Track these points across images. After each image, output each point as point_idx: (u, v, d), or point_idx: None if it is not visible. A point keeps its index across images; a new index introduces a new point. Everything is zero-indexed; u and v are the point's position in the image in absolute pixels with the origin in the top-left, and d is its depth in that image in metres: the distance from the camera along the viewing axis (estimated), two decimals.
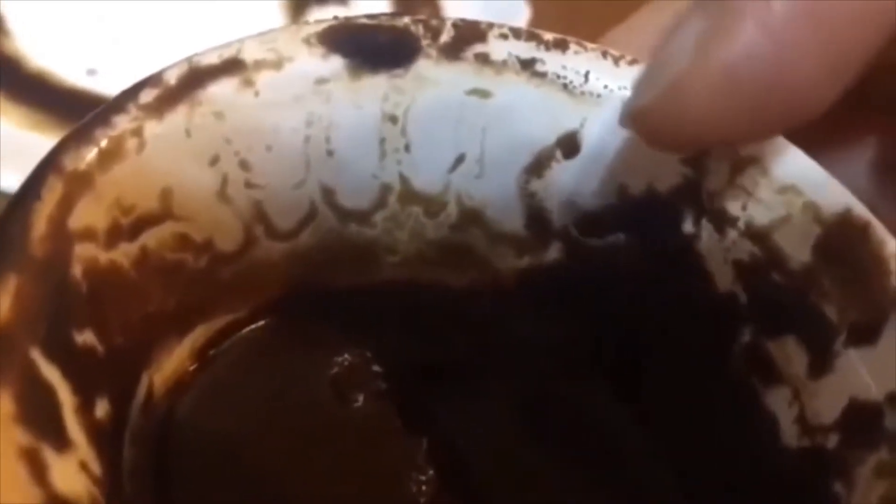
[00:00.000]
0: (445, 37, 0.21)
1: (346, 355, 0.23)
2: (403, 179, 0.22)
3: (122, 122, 0.19)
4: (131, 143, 0.19)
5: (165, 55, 0.20)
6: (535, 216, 0.22)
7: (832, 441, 0.19)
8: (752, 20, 0.17)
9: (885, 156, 0.24)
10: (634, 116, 0.20)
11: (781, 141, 0.20)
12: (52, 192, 0.17)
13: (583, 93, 0.21)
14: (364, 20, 0.21)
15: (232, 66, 0.20)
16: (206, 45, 0.20)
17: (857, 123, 0.23)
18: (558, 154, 0.21)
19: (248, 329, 0.23)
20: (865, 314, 0.19)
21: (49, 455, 0.15)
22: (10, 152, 0.34)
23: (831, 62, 0.18)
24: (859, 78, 0.18)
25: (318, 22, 0.21)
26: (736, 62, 0.18)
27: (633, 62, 0.21)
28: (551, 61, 0.21)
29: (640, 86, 0.20)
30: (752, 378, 0.21)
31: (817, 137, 0.20)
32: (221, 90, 0.20)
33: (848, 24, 0.18)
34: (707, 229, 0.21)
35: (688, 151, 0.21)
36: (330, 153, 0.21)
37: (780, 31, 0.17)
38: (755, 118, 0.18)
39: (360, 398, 0.23)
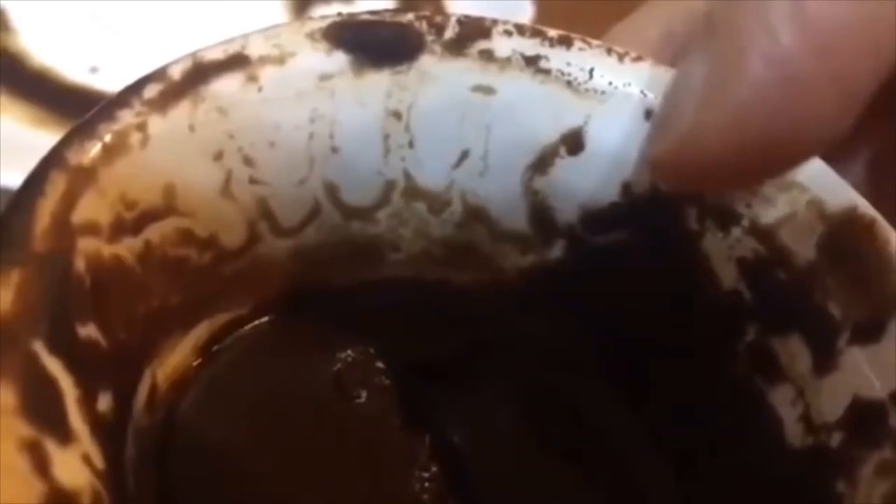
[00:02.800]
0: (449, 33, 0.21)
1: (350, 352, 0.23)
2: (407, 176, 0.22)
3: (126, 117, 0.19)
4: (135, 138, 0.19)
5: (168, 53, 0.20)
6: (539, 214, 0.22)
7: (835, 440, 0.19)
8: (758, 56, 0.17)
9: (882, 156, 0.24)
10: (652, 166, 0.20)
11: None
12: (56, 187, 0.17)
13: (587, 90, 0.21)
14: (368, 16, 0.21)
15: (236, 62, 0.20)
16: (209, 42, 0.20)
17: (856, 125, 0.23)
18: (562, 151, 0.21)
19: (251, 325, 0.23)
20: (870, 312, 0.19)
21: (51, 448, 0.15)
22: (11, 149, 0.34)
23: (842, 91, 0.17)
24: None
25: (322, 18, 0.21)
26: (746, 101, 0.17)
27: (637, 59, 0.21)
28: (555, 58, 0.21)
29: (653, 134, 0.20)
30: (757, 377, 0.21)
31: None
32: (225, 86, 0.20)
33: (856, 51, 0.17)
34: (711, 227, 0.21)
35: (708, 192, 0.21)
36: (334, 150, 0.21)
37: (789, 65, 0.17)
38: (771, 155, 0.18)
39: (364, 395, 0.23)
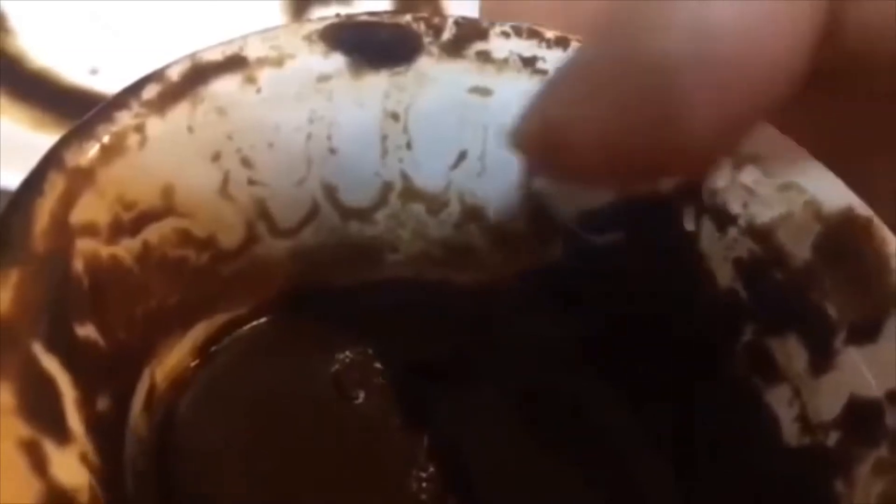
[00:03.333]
0: (447, 34, 0.21)
1: (348, 352, 0.23)
2: (405, 177, 0.22)
3: (125, 118, 0.19)
4: (133, 139, 0.19)
5: (167, 54, 0.20)
6: (537, 214, 0.22)
7: (832, 439, 0.19)
8: (638, 55, 0.17)
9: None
10: (516, 138, 0.19)
11: (782, 138, 0.20)
12: (54, 188, 0.17)
13: None
14: (366, 18, 0.21)
15: (234, 63, 0.20)
16: (208, 44, 0.20)
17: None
18: None
19: (249, 326, 0.23)
20: (866, 312, 0.19)
21: (49, 447, 0.15)
22: (11, 151, 0.34)
23: (723, 106, 0.17)
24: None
25: (321, 19, 0.21)
26: (620, 99, 0.17)
27: None
28: (552, 59, 0.21)
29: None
30: (753, 377, 0.21)
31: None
32: (224, 87, 0.20)
33: (745, 61, 0.16)
34: (708, 227, 0.21)
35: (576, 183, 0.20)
36: (332, 151, 0.21)
37: (671, 72, 0.16)
38: (639, 155, 0.17)
39: (362, 395, 0.23)
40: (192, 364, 0.22)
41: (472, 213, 0.23)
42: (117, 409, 0.18)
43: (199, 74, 0.20)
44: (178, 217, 0.20)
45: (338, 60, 0.21)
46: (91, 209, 0.18)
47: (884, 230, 0.19)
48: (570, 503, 0.22)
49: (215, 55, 0.20)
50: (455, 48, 0.21)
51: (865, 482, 0.19)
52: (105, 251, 0.18)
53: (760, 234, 0.20)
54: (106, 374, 0.18)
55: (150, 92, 0.19)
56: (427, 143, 0.22)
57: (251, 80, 0.20)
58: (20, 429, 0.15)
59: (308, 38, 0.21)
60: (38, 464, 0.15)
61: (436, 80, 0.21)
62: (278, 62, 0.20)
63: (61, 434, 0.16)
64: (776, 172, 0.20)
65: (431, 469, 0.22)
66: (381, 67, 0.21)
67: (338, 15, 0.21)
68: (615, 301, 0.23)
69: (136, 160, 0.19)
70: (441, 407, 0.23)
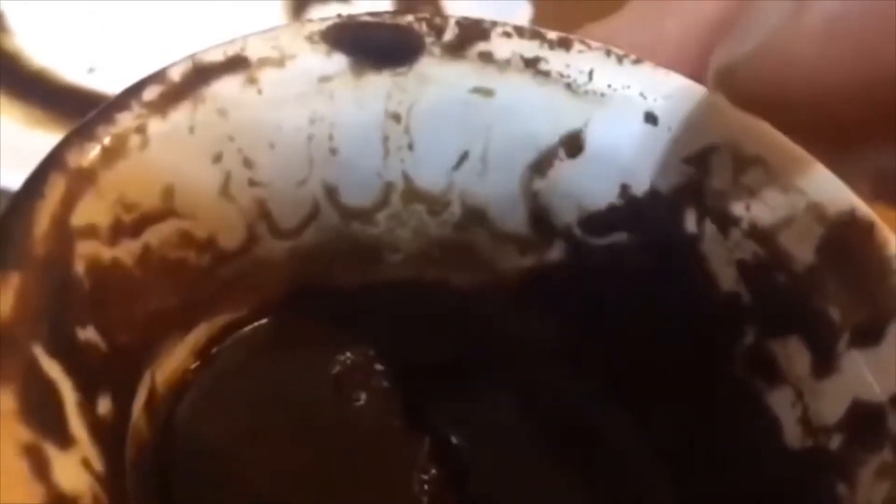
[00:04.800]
0: (449, 35, 0.21)
1: (349, 354, 0.23)
2: (406, 178, 0.22)
3: (126, 120, 0.19)
4: (135, 140, 0.19)
5: (166, 54, 0.20)
6: (538, 215, 0.22)
7: (835, 442, 0.19)
8: None
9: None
10: (723, 72, 0.19)
11: (785, 141, 0.20)
12: (55, 190, 0.17)
13: (586, 92, 0.21)
14: (367, 18, 0.21)
15: (236, 64, 0.20)
16: (207, 44, 0.20)
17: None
18: (561, 153, 0.21)
19: (250, 327, 0.23)
20: (869, 315, 0.19)
21: (51, 451, 0.15)
22: (10, 150, 0.34)
23: None
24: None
25: (322, 20, 0.21)
26: (837, 12, 0.17)
27: (637, 61, 0.21)
28: (555, 60, 0.21)
29: (727, 44, 0.19)
30: (755, 379, 0.21)
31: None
32: (225, 87, 0.20)
33: None
34: (710, 229, 0.21)
35: (779, 110, 0.19)
36: (333, 151, 0.21)
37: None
38: (859, 69, 0.17)
39: (363, 397, 0.23)
40: (194, 366, 0.22)
41: (474, 214, 0.22)
42: (118, 412, 0.18)
43: (201, 75, 0.20)
44: (179, 218, 0.20)
45: (339, 61, 0.21)
46: (92, 211, 0.18)
47: (886, 233, 0.19)
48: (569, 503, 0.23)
49: (216, 56, 0.20)
50: (457, 49, 0.21)
51: (868, 486, 0.19)
52: (106, 253, 0.18)
53: (763, 237, 0.20)
54: (107, 376, 0.18)
55: (152, 93, 0.19)
56: (429, 143, 0.22)
57: (252, 80, 0.20)
58: (21, 433, 0.15)
59: (310, 38, 0.20)
60: (40, 468, 0.15)
61: (437, 81, 0.21)
62: (280, 63, 0.20)
63: (63, 438, 0.15)
64: (779, 174, 0.20)
65: (433, 471, 0.22)
66: (382, 68, 0.21)
67: (339, 15, 0.21)
68: (616, 303, 0.23)
69: (138, 161, 0.19)
70: (442, 408, 0.23)
